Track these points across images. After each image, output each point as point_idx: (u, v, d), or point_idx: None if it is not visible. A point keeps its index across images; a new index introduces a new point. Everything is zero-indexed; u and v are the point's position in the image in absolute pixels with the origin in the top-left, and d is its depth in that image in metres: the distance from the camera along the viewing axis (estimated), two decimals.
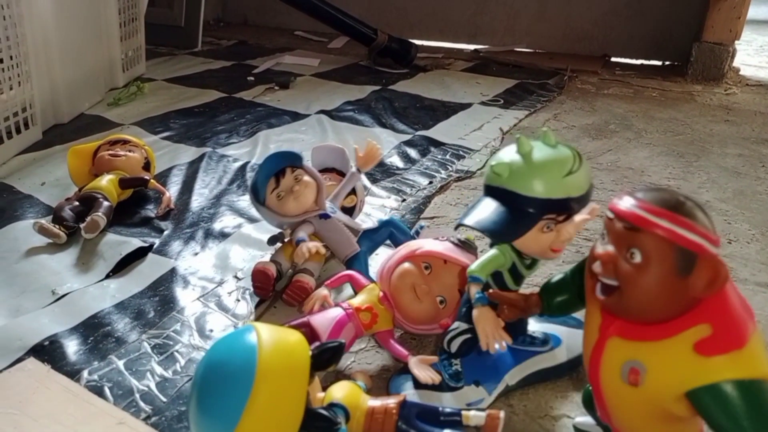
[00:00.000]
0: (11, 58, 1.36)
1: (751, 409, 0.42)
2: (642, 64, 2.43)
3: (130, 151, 1.17)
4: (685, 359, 0.44)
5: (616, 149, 1.50)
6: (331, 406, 0.59)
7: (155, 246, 1.01)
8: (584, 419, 0.64)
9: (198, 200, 1.19)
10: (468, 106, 1.83)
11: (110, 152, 1.15)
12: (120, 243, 1.00)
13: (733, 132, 1.65)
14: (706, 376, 0.43)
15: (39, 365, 0.73)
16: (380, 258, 0.91)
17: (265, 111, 1.77)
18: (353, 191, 1.00)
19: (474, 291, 0.62)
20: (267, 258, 0.92)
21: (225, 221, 1.11)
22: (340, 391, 0.61)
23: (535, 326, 0.75)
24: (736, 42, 2.16)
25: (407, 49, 2.30)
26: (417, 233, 0.91)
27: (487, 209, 0.59)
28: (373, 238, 0.94)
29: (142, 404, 0.68)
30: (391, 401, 0.61)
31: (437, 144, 1.51)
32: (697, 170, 1.38)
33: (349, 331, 0.73)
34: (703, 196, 1.23)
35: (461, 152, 1.45)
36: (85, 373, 0.72)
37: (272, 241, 0.94)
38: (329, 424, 0.53)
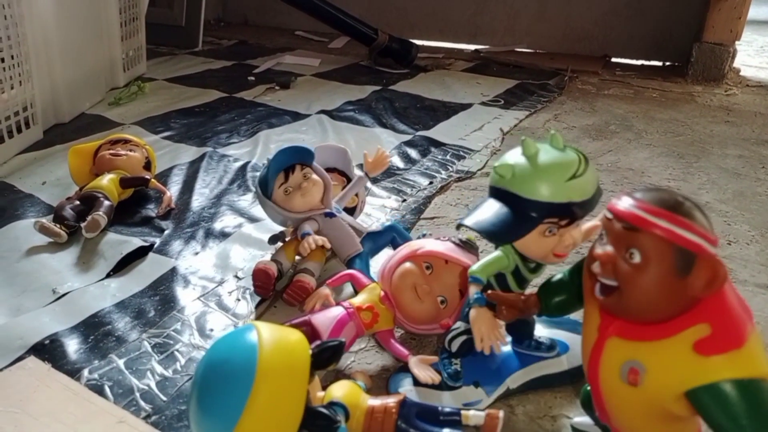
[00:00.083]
0: (12, 57, 1.36)
1: (750, 409, 0.42)
2: (642, 65, 2.43)
3: (130, 150, 1.18)
4: (685, 359, 0.45)
5: (616, 150, 1.50)
6: (331, 404, 0.59)
7: (156, 245, 1.02)
8: (582, 419, 0.64)
9: (198, 200, 1.20)
10: (468, 106, 1.83)
11: (111, 152, 1.16)
12: (121, 242, 1.01)
13: (733, 133, 1.65)
14: (705, 376, 0.44)
15: (39, 364, 0.73)
16: (381, 258, 0.91)
17: (266, 111, 1.77)
18: None
19: (473, 291, 0.62)
20: (268, 257, 0.92)
21: (225, 221, 1.11)
22: (340, 390, 0.61)
23: (542, 332, 0.75)
24: (737, 42, 2.16)
25: (408, 49, 2.30)
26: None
27: (488, 210, 0.59)
28: (375, 240, 0.94)
29: (142, 403, 0.69)
30: (391, 400, 0.61)
31: (438, 144, 1.51)
32: (697, 171, 1.38)
33: (349, 330, 0.73)
34: (703, 197, 1.24)
35: (462, 152, 1.46)
36: (85, 372, 0.73)
37: (273, 240, 0.95)
38: (329, 422, 0.53)
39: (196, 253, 1.00)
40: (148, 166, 1.20)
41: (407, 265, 0.76)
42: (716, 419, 0.43)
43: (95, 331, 0.81)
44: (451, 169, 1.36)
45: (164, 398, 0.69)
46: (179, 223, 1.10)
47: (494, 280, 0.65)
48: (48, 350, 0.76)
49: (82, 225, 1.00)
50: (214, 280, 0.93)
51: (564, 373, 0.72)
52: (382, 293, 0.76)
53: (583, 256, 0.54)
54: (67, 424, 0.64)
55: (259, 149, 1.47)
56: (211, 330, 0.82)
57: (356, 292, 0.80)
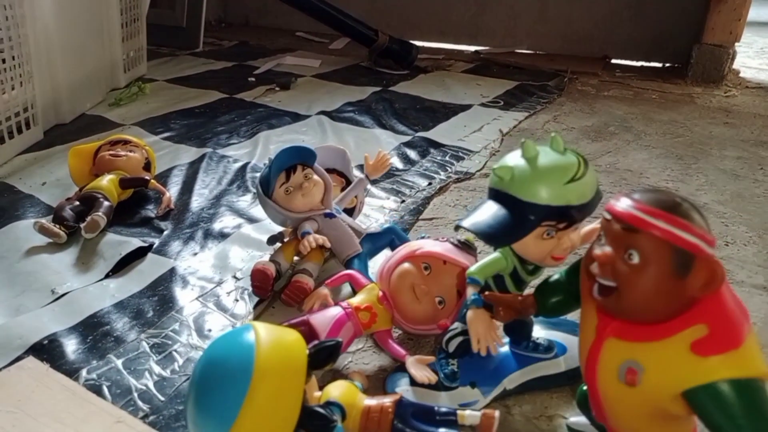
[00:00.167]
0: (13, 58, 1.37)
1: (747, 408, 0.43)
2: (642, 66, 2.43)
3: (130, 151, 1.18)
4: (682, 359, 0.45)
5: (615, 151, 1.50)
6: (328, 404, 0.59)
7: (155, 246, 1.02)
8: (578, 419, 0.64)
9: (198, 200, 1.20)
10: (468, 107, 1.83)
11: (111, 152, 1.16)
12: (120, 243, 1.01)
13: (732, 134, 1.65)
14: (703, 376, 0.44)
15: (38, 364, 0.73)
16: (379, 259, 0.91)
17: (266, 112, 1.78)
18: None
19: (470, 292, 0.62)
20: (266, 258, 0.92)
21: (225, 221, 1.11)
22: (336, 390, 0.61)
23: (540, 333, 0.75)
24: (737, 44, 2.16)
25: (408, 50, 2.31)
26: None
27: (486, 212, 0.59)
28: (374, 241, 0.95)
29: (140, 403, 0.69)
30: (387, 400, 0.61)
31: (437, 145, 1.51)
32: (695, 172, 1.38)
33: (348, 330, 0.73)
34: (702, 199, 1.24)
35: (461, 154, 1.46)
36: (83, 372, 0.73)
37: (271, 241, 0.95)
38: (325, 422, 0.54)
39: (195, 254, 1.00)
40: (147, 166, 1.20)
41: (406, 265, 0.76)
42: (713, 419, 0.44)
43: (94, 331, 0.81)
44: (450, 170, 1.36)
45: (162, 398, 0.70)
46: (178, 224, 1.10)
47: (492, 281, 0.66)
48: (47, 350, 0.77)
49: (82, 225, 1.01)
50: (212, 280, 0.93)
51: (561, 375, 0.72)
52: (381, 293, 0.77)
53: (581, 257, 0.54)
54: (66, 424, 0.64)
55: (258, 150, 1.47)
56: (210, 330, 0.82)
57: (355, 293, 0.81)
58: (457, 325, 0.70)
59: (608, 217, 0.48)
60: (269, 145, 1.51)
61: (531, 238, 0.58)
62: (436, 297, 0.74)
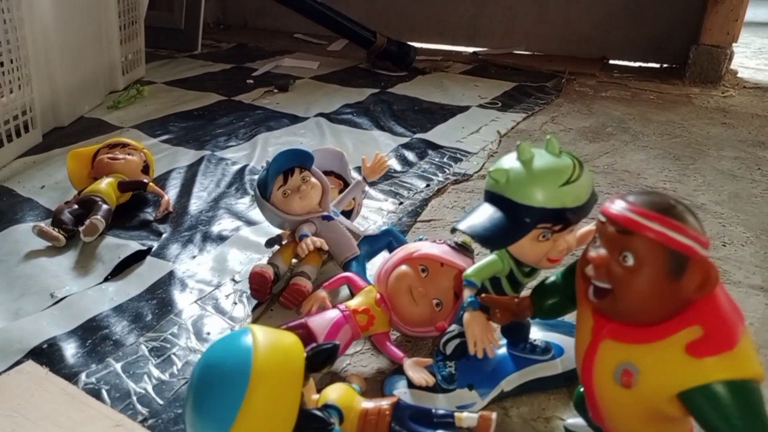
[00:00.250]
0: (11, 61, 1.37)
1: (742, 409, 0.43)
2: (640, 67, 2.44)
3: (129, 154, 1.18)
4: (678, 361, 0.45)
5: (612, 152, 1.51)
6: (326, 407, 0.59)
7: (153, 249, 1.02)
8: (575, 421, 0.65)
9: (196, 203, 1.20)
10: (466, 108, 1.84)
11: (109, 155, 1.16)
12: (118, 246, 1.01)
13: (729, 135, 1.65)
14: (699, 377, 0.44)
15: (37, 368, 0.74)
16: (377, 262, 0.92)
17: (264, 114, 1.78)
18: None
19: (467, 295, 0.62)
20: (264, 261, 0.92)
21: (223, 224, 1.12)
22: (334, 393, 0.62)
23: (538, 335, 0.76)
24: (734, 44, 2.17)
25: (406, 51, 2.31)
26: None
27: (482, 215, 0.59)
28: (372, 244, 0.95)
29: (139, 407, 0.69)
30: (385, 402, 0.62)
31: (435, 147, 1.52)
32: (693, 173, 1.38)
33: (345, 332, 0.74)
34: (699, 199, 1.24)
35: (459, 155, 1.46)
36: (83, 376, 0.73)
37: (270, 243, 0.95)
38: (323, 424, 0.54)
39: (194, 257, 1.01)
40: (146, 169, 1.20)
41: (403, 267, 0.76)
42: (709, 420, 0.44)
43: (93, 335, 0.81)
44: (448, 171, 1.37)
45: (161, 402, 0.70)
46: (177, 227, 1.10)
47: (489, 283, 0.66)
48: (46, 354, 0.77)
49: (81, 229, 1.01)
50: (211, 283, 0.94)
51: (558, 376, 0.72)
52: (378, 296, 0.77)
53: (577, 258, 0.54)
54: (65, 428, 0.65)
55: (257, 152, 1.47)
56: (208, 333, 0.82)
57: (352, 295, 0.81)
58: (454, 328, 0.71)
59: (603, 219, 0.49)
60: (267, 147, 1.51)
61: (527, 240, 0.58)
62: (433, 299, 0.75)
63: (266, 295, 0.87)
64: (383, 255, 0.94)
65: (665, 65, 2.43)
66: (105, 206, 1.06)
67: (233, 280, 0.94)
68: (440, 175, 1.35)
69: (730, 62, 2.18)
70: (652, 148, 1.54)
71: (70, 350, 0.78)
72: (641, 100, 1.99)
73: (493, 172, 0.58)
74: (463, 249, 0.78)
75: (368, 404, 0.62)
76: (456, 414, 0.61)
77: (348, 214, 1.02)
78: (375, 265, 0.87)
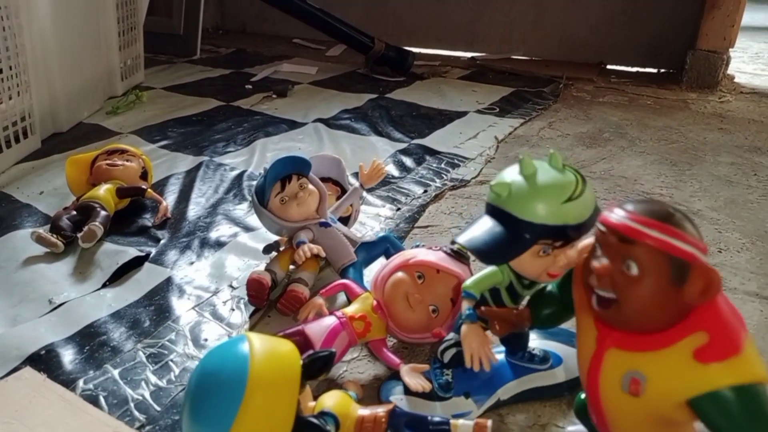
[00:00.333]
0: (10, 68, 1.37)
1: (751, 414, 0.44)
2: (637, 72, 2.45)
3: (127, 160, 1.19)
4: (685, 368, 0.46)
5: (609, 158, 1.51)
6: (322, 414, 0.60)
7: (151, 255, 1.03)
8: (575, 428, 0.65)
9: (194, 209, 1.21)
10: (464, 114, 1.84)
11: (108, 162, 1.17)
12: (117, 252, 1.01)
13: (726, 140, 1.66)
14: (707, 384, 0.45)
15: (35, 374, 0.74)
16: (374, 268, 0.92)
17: (263, 119, 1.78)
18: None
19: (465, 306, 0.63)
20: (262, 267, 0.93)
21: (221, 230, 1.12)
22: (330, 400, 0.62)
23: (536, 343, 0.76)
24: (731, 49, 2.18)
25: (404, 57, 2.32)
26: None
27: (482, 228, 0.58)
28: (369, 250, 0.95)
29: (136, 413, 0.69)
30: (381, 410, 0.62)
31: (432, 152, 1.52)
32: (689, 179, 1.39)
33: (342, 339, 0.74)
34: (695, 205, 1.25)
35: (456, 161, 1.47)
36: (80, 383, 0.73)
37: (267, 250, 0.96)
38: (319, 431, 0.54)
39: (192, 263, 1.01)
40: (144, 175, 1.21)
41: (399, 274, 0.77)
42: (718, 425, 0.45)
43: (91, 341, 0.81)
44: (445, 177, 1.37)
45: (158, 408, 0.70)
46: (175, 233, 1.11)
47: (488, 294, 0.66)
48: (44, 360, 0.77)
49: (79, 235, 1.01)
50: (208, 289, 0.94)
51: (556, 386, 0.72)
52: (375, 302, 0.77)
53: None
54: None
55: (255, 158, 1.48)
56: (206, 340, 0.82)
57: (349, 302, 0.81)
58: (452, 336, 0.71)
59: (603, 229, 0.49)
60: (266, 153, 1.52)
61: (527, 255, 0.58)
62: (429, 305, 0.75)
63: (263, 301, 0.87)
64: (380, 261, 0.94)
65: (662, 70, 2.44)
66: (103, 212, 1.07)
67: (231, 286, 0.95)
68: (438, 180, 1.35)
69: (726, 67, 2.19)
70: (648, 154, 1.54)
71: (68, 357, 0.78)
72: (638, 105, 2.00)
73: (495, 186, 0.57)
74: (459, 256, 0.78)
75: (364, 411, 0.62)
76: (452, 422, 0.62)
77: (345, 220, 1.02)
78: (372, 271, 0.87)
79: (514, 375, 0.72)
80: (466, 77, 2.33)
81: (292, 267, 0.93)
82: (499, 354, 0.74)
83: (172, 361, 0.78)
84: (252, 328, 0.85)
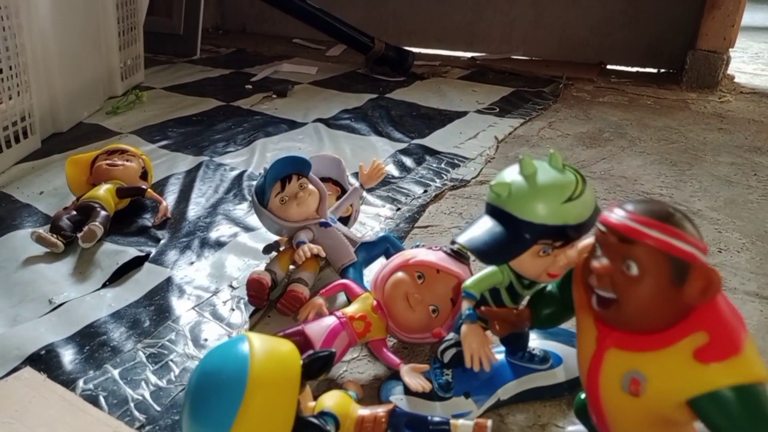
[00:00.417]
0: (10, 68, 1.37)
1: (751, 413, 0.44)
2: (637, 72, 2.45)
3: (127, 160, 1.19)
4: (686, 368, 0.46)
5: (609, 158, 1.51)
6: (322, 414, 0.60)
7: (151, 255, 1.03)
8: (575, 428, 0.65)
9: (194, 209, 1.21)
10: (464, 114, 1.84)
11: (108, 162, 1.17)
12: (117, 252, 1.01)
13: (726, 140, 1.66)
14: (708, 384, 0.45)
15: (35, 374, 0.74)
16: (374, 268, 0.92)
17: (263, 119, 1.78)
18: None
19: (465, 307, 0.63)
20: (262, 267, 0.93)
21: (221, 230, 1.12)
22: (330, 400, 0.62)
23: (536, 343, 0.76)
24: (731, 49, 2.18)
25: (404, 57, 2.32)
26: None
27: (482, 228, 0.58)
28: (369, 250, 0.95)
29: (136, 413, 0.69)
30: (381, 410, 0.62)
31: (432, 152, 1.52)
32: (689, 179, 1.39)
33: (342, 339, 0.74)
34: (695, 205, 1.25)
35: (456, 161, 1.47)
36: (80, 383, 0.73)
37: (267, 250, 0.96)
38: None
39: (192, 263, 1.01)
40: (144, 175, 1.21)
41: (399, 274, 0.77)
42: (719, 425, 0.45)
43: (91, 341, 0.81)
44: (445, 177, 1.37)
45: (158, 408, 0.70)
46: (175, 233, 1.11)
47: (488, 294, 0.66)
48: (44, 360, 0.77)
49: (79, 235, 1.01)
50: (208, 289, 0.94)
51: (556, 386, 0.72)
52: (375, 302, 0.77)
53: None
54: None
55: (255, 158, 1.48)
56: (206, 340, 0.82)
57: (349, 302, 0.81)
58: (452, 336, 0.71)
59: (603, 229, 0.49)
60: (266, 153, 1.52)
61: (527, 255, 0.58)
62: (429, 305, 0.75)
63: (263, 301, 0.87)
64: (380, 261, 0.94)
65: (662, 70, 2.44)
66: (103, 212, 1.07)
67: (231, 286, 0.95)
68: (438, 180, 1.35)
69: (726, 67, 2.19)
70: (648, 154, 1.54)
71: (68, 357, 0.78)
72: (638, 105, 2.00)
73: (495, 186, 0.57)
74: (459, 256, 0.78)
75: (364, 411, 0.62)
76: (452, 421, 0.62)
77: (345, 220, 1.02)
78: (372, 271, 0.87)
79: (514, 375, 0.72)
80: (466, 77, 2.33)
81: (292, 267, 0.93)
82: (499, 354, 0.74)
83: (172, 361, 0.78)
84: (252, 328, 0.85)
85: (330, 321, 0.75)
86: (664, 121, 1.82)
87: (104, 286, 0.94)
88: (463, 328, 0.62)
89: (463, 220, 1.17)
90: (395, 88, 2.14)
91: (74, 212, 1.09)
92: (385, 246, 0.96)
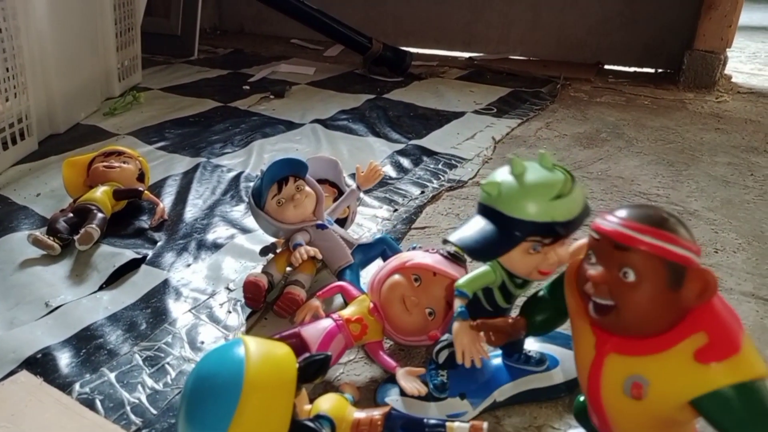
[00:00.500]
0: (7, 70, 1.37)
1: (753, 410, 0.44)
2: (635, 72, 2.45)
3: (124, 162, 1.19)
4: (687, 369, 0.46)
5: (606, 158, 1.51)
6: (317, 417, 0.60)
7: (148, 257, 1.02)
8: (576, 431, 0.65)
9: (191, 211, 1.21)
10: (461, 114, 1.84)
11: (105, 164, 1.17)
12: (113, 254, 1.01)
13: (723, 140, 1.66)
14: (709, 384, 0.45)
15: (32, 378, 0.74)
16: (371, 270, 0.92)
17: (260, 120, 1.78)
18: None
19: (457, 305, 0.63)
20: (259, 269, 0.93)
21: (218, 232, 1.12)
22: (326, 403, 0.62)
23: (533, 345, 0.76)
24: (729, 49, 2.18)
25: (402, 57, 2.32)
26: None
27: (474, 227, 0.59)
28: (366, 252, 0.95)
29: (132, 417, 0.69)
30: (377, 413, 0.62)
31: (430, 153, 1.52)
32: (686, 179, 1.39)
33: (339, 342, 0.74)
34: (692, 206, 1.25)
35: (453, 161, 1.47)
36: (77, 386, 0.73)
37: (264, 252, 0.96)
38: None
39: (188, 265, 1.01)
40: (141, 177, 1.21)
41: (396, 277, 0.77)
42: (722, 423, 0.45)
43: (87, 344, 0.81)
44: (442, 178, 1.37)
45: (155, 412, 0.70)
46: (172, 235, 1.11)
47: (481, 294, 0.66)
48: (40, 364, 0.77)
49: (76, 238, 1.01)
50: (205, 292, 0.94)
51: (553, 388, 0.72)
52: (371, 305, 0.77)
53: (562, 271, 0.55)
54: None
55: (252, 159, 1.48)
56: (202, 343, 0.82)
57: (346, 304, 0.81)
58: (446, 337, 0.71)
59: (596, 236, 0.49)
60: (263, 154, 1.52)
61: (517, 252, 0.59)
62: (426, 308, 0.75)
63: (260, 303, 0.87)
64: (377, 263, 0.94)
65: (660, 71, 2.44)
66: (100, 215, 1.07)
67: (227, 288, 0.95)
68: (435, 181, 1.35)
69: (724, 67, 2.19)
70: (646, 154, 1.54)
71: (65, 360, 0.78)
72: (636, 105, 2.00)
73: (486, 185, 0.58)
74: (455, 259, 0.78)
75: (360, 414, 0.62)
76: (447, 423, 0.62)
77: (342, 222, 1.02)
78: (369, 273, 0.87)
79: (510, 377, 0.72)
80: (463, 78, 2.33)
81: (288, 269, 0.93)
82: (496, 358, 0.74)
83: (168, 364, 0.78)
84: (249, 331, 0.85)
85: (326, 323, 0.75)
86: (661, 122, 1.82)
87: (101, 288, 0.94)
88: (455, 326, 0.62)
89: (461, 221, 1.17)
90: (393, 89, 2.14)
91: (71, 214, 1.08)
92: (381, 248, 0.96)
